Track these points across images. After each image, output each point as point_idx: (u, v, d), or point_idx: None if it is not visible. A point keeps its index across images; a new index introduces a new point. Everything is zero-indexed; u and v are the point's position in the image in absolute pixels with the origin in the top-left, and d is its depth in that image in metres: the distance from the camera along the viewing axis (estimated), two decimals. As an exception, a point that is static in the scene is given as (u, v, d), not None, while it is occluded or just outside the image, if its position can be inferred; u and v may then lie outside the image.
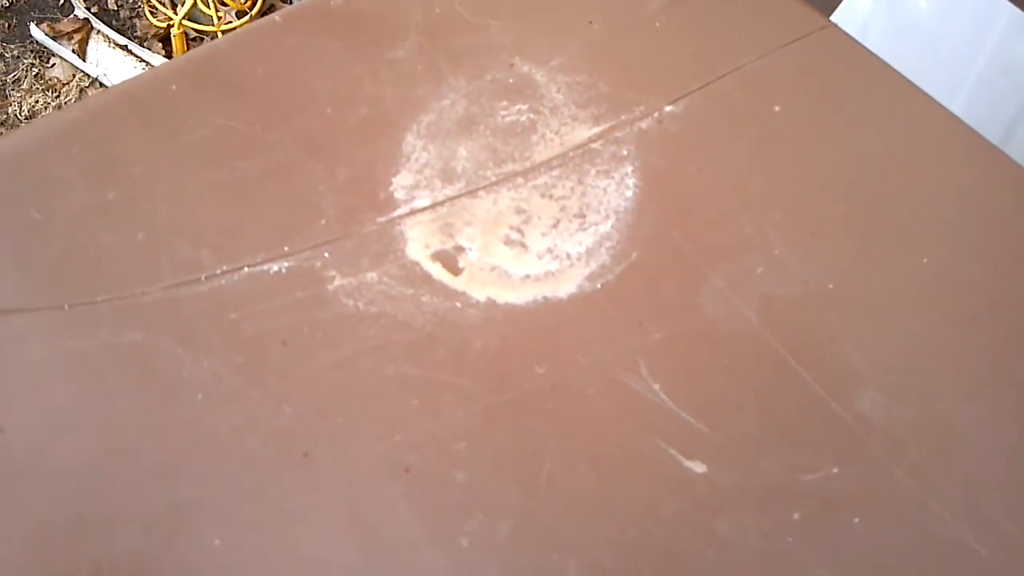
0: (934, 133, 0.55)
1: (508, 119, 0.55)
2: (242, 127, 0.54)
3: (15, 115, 2.09)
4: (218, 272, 0.49)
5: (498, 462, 0.43)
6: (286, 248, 0.50)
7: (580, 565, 0.41)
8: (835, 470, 0.43)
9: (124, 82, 0.55)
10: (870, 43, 1.00)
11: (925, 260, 0.50)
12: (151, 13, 2.22)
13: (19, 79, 2.19)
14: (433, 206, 0.52)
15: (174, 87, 0.55)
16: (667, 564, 0.41)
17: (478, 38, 0.58)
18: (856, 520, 0.42)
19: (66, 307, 0.48)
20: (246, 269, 0.49)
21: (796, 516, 0.42)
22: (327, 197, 0.52)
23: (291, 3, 2.19)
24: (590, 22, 0.59)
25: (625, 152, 0.54)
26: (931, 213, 0.52)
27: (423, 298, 0.49)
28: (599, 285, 0.49)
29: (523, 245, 0.51)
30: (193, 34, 2.18)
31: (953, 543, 0.42)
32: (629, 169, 0.53)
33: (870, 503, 0.43)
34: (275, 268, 0.49)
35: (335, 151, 0.53)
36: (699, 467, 0.43)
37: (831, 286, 0.49)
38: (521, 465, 0.43)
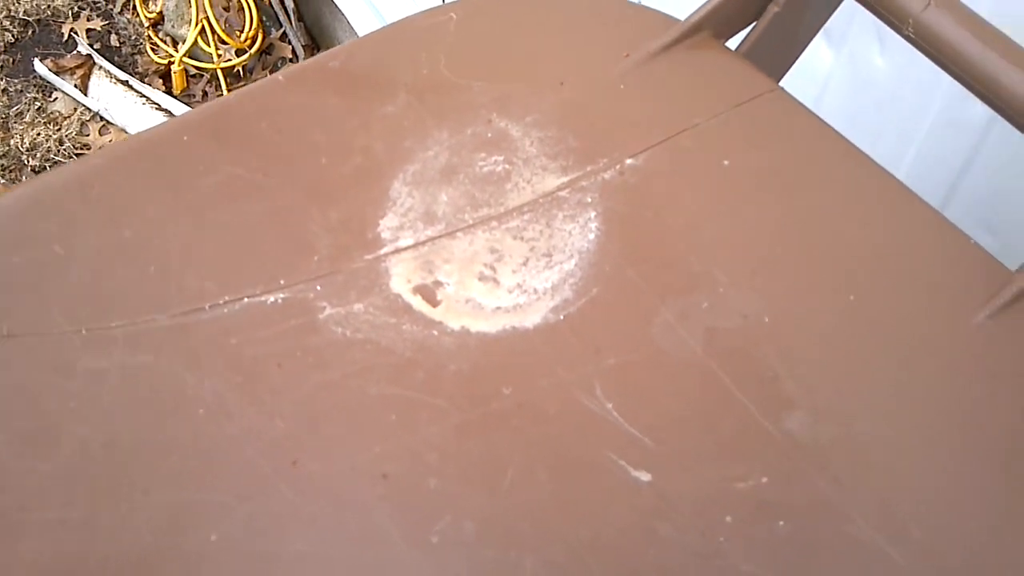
0: (865, 186, 0.62)
1: (485, 169, 0.61)
2: (246, 174, 0.60)
3: (16, 147, 2.16)
4: (221, 302, 0.55)
5: (466, 471, 0.49)
6: (282, 281, 0.56)
7: (536, 562, 0.47)
8: (764, 479, 0.49)
9: (140, 132, 0.61)
10: (831, 98, 1.08)
11: (852, 298, 0.56)
12: (152, 50, 2.30)
13: (22, 112, 2.26)
14: (416, 245, 0.58)
15: (186, 137, 0.62)
16: (615, 562, 0.47)
17: (461, 97, 0.64)
18: (781, 523, 0.48)
19: (83, 331, 0.53)
20: (246, 300, 0.55)
21: (728, 519, 0.48)
22: (321, 237, 0.58)
23: (288, 42, 2.27)
24: (561, 83, 0.66)
25: (589, 199, 0.60)
26: (860, 257, 0.58)
27: (404, 327, 0.55)
28: (562, 317, 0.55)
29: (495, 281, 0.57)
30: (193, 71, 2.26)
31: (868, 546, 0.48)
32: (592, 214, 0.60)
33: (794, 509, 0.49)
34: (272, 299, 0.55)
35: (329, 196, 0.60)
36: (645, 476, 0.49)
37: (767, 319, 0.55)
38: (487, 474, 0.49)
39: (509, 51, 0.68)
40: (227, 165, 0.61)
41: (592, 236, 0.59)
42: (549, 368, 0.53)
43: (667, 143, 0.63)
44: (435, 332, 0.54)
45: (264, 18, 2.26)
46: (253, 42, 2.24)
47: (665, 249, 0.58)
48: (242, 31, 2.23)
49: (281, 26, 2.28)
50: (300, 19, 2.28)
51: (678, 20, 0.69)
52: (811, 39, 0.77)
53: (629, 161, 0.62)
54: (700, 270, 0.57)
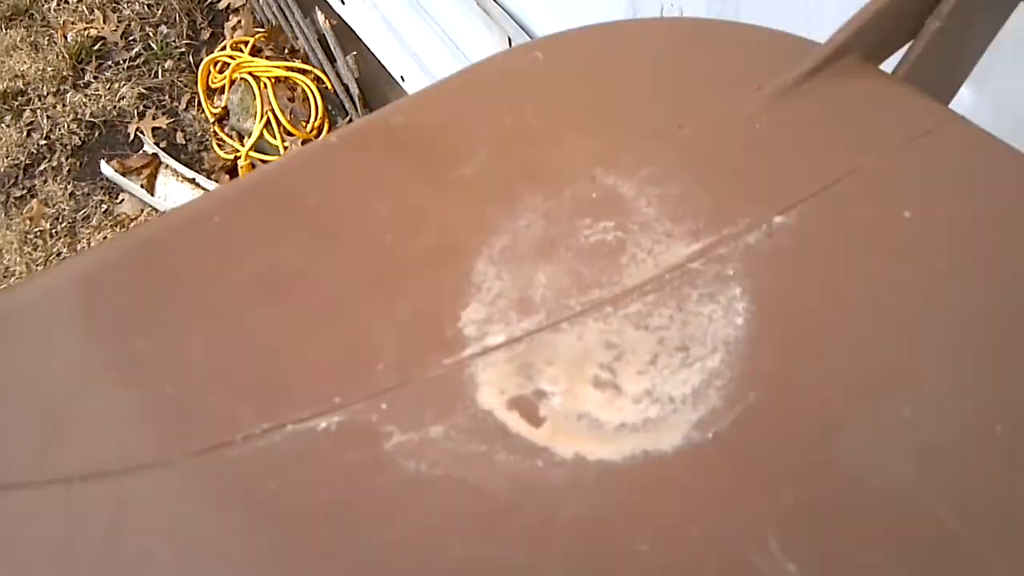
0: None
1: (592, 239, 0.48)
2: (291, 261, 0.48)
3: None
4: (256, 432, 0.41)
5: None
6: (337, 399, 0.42)
7: None
8: None
9: (163, 215, 0.50)
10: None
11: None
12: (219, 146, 2.26)
13: (89, 216, 2.23)
14: (509, 343, 0.44)
15: (217, 219, 0.49)
16: None
17: (555, 150, 0.51)
18: None
19: (76, 480, 0.41)
20: (289, 427, 0.42)
21: None
22: (386, 337, 0.44)
23: (355, 131, 2.21)
24: (680, 126, 0.52)
25: (731, 271, 0.46)
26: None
27: (498, 456, 0.40)
28: (711, 435, 0.41)
29: (616, 387, 0.43)
30: (260, 165, 2.21)
31: None
32: (738, 291, 0.45)
33: None
34: (323, 424, 0.42)
35: (396, 283, 0.47)
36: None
37: (999, 428, 0.40)
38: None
39: (611, 92, 0.55)
40: (267, 250, 0.48)
41: (740, 320, 0.44)
42: (699, 511, 0.38)
43: (825, 193, 0.48)
44: (540, 463, 0.40)
45: (329, 107, 2.21)
46: (319, 132, 2.19)
47: (843, 334, 0.43)
48: (308, 121, 2.18)
49: (347, 114, 2.22)
50: (366, 105, 2.22)
51: (818, 43, 0.55)
52: (980, 56, 0.62)
53: (778, 219, 0.48)
54: (895, 361, 0.42)
